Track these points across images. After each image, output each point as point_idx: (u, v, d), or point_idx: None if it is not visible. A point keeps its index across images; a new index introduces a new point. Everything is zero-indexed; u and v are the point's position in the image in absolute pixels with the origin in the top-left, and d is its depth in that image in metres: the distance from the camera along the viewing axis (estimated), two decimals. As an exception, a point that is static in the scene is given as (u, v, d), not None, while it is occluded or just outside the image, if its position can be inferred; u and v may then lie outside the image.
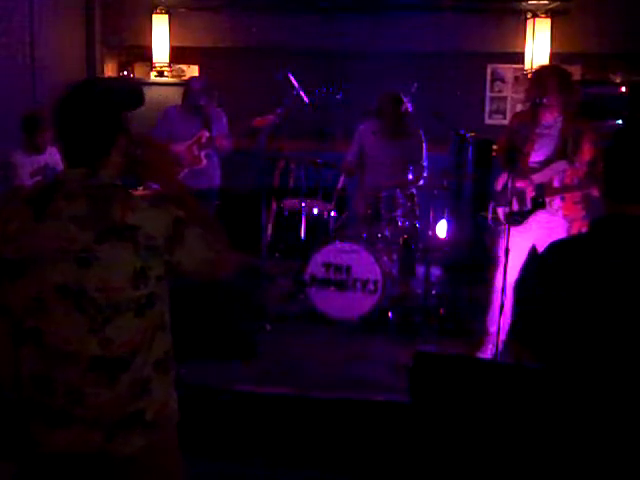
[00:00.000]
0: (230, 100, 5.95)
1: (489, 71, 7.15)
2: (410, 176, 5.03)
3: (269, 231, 5.76)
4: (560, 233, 3.84)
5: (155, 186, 1.93)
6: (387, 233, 5.07)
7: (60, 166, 4.30)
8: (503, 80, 7.15)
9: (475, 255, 5.38)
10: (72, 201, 1.72)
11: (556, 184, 3.93)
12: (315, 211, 5.39)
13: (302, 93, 5.13)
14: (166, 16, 7.02)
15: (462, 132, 5.29)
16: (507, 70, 7.13)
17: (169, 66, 7.06)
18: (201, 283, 2.02)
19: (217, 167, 5.37)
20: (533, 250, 3.97)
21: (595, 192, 3.76)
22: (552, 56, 6.67)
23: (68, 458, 1.75)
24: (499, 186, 4.11)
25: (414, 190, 5.13)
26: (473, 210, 5.94)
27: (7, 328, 1.75)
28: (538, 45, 6.73)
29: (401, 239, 5.16)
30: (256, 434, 3.52)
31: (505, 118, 6.98)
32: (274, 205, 5.84)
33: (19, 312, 1.73)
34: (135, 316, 1.73)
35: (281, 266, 5.69)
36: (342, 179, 5.66)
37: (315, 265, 4.95)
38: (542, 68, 4.71)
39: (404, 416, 3.17)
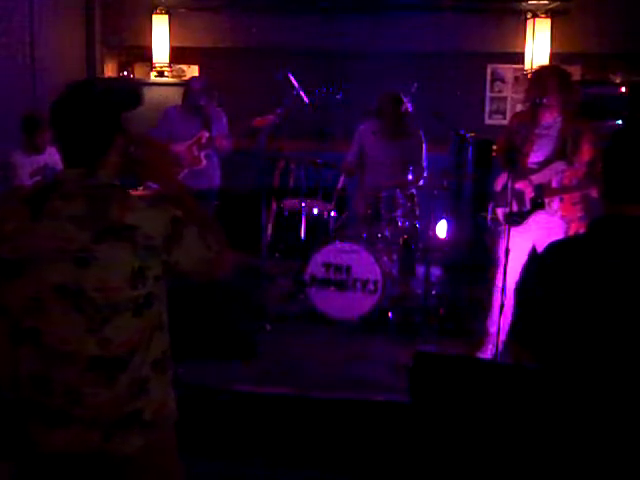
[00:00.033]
0: (230, 100, 5.94)
1: (489, 71, 7.15)
2: (410, 176, 5.03)
3: (269, 231, 5.76)
4: (559, 234, 3.84)
5: (155, 186, 1.93)
6: (387, 233, 5.07)
7: (60, 166, 4.27)
8: (503, 80, 7.15)
9: (475, 255, 5.38)
10: (70, 201, 1.72)
11: (554, 185, 3.93)
12: (315, 211, 5.39)
13: (302, 93, 5.13)
14: (166, 16, 7.02)
15: (462, 132, 5.29)
16: (507, 70, 7.13)
17: (169, 66, 7.06)
18: (200, 283, 2.02)
19: (217, 167, 5.37)
20: (533, 251, 3.97)
21: (594, 193, 3.76)
22: (552, 56, 6.67)
23: (66, 458, 1.75)
24: (498, 187, 4.11)
25: (414, 190, 5.13)
26: (473, 210, 5.93)
27: (5, 328, 1.75)
28: (538, 45, 6.73)
29: (401, 239, 5.16)
30: (256, 434, 3.52)
31: (505, 118, 6.97)
32: (274, 205, 5.83)
33: (17, 312, 1.73)
34: (133, 316, 1.74)
35: (281, 266, 5.68)
36: (342, 179, 5.65)
37: (315, 265, 4.95)
38: (542, 68, 4.71)
39: (404, 416, 3.17)
